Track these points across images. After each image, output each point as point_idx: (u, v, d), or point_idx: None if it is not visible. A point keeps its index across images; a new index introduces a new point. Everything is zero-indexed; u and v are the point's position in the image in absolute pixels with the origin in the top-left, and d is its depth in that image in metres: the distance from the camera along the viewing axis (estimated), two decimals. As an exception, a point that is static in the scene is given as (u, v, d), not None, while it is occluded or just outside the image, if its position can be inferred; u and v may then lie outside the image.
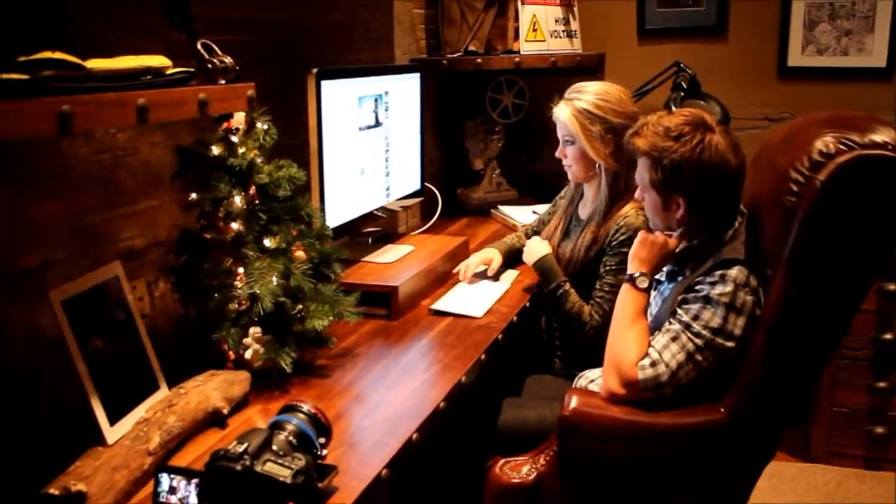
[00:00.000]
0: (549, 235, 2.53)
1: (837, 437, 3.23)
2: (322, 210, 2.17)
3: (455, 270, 2.61)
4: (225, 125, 1.82)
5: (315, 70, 2.16)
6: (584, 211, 2.48)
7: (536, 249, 2.44)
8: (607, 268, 2.29)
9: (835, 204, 1.64)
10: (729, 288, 1.76)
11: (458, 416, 1.88)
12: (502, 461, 1.95)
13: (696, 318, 1.77)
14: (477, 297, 2.40)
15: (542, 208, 3.23)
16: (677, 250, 1.94)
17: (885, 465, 3.20)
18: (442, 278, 2.56)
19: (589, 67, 3.45)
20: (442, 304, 2.33)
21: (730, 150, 1.79)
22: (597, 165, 2.35)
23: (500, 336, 2.15)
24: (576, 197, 2.55)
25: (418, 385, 1.84)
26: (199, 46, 1.65)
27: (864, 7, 3.46)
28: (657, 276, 2.00)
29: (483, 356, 2.02)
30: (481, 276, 2.60)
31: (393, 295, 2.24)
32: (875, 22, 3.47)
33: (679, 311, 1.81)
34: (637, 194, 1.99)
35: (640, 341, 1.82)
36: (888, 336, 3.11)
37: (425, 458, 1.73)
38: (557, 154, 2.44)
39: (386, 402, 1.75)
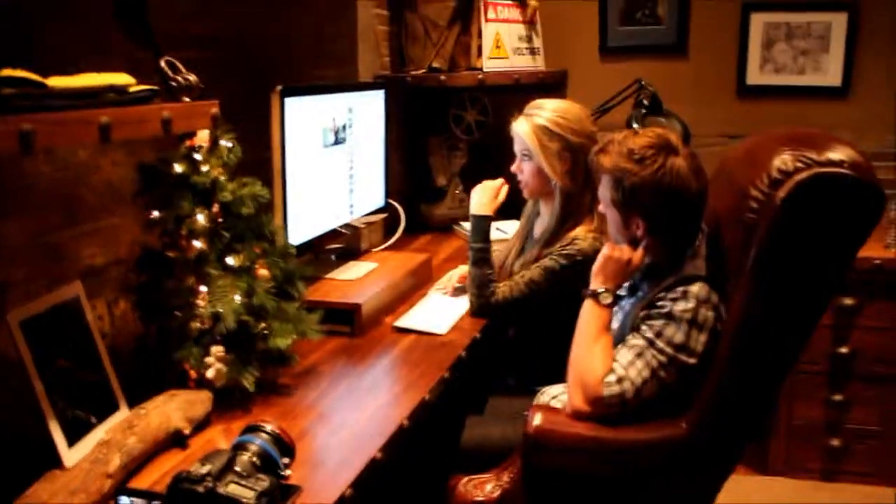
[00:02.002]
0: (507, 252, 2.56)
1: (795, 450, 3.28)
2: (285, 227, 2.17)
3: (442, 285, 2.67)
4: (188, 143, 1.80)
5: (279, 87, 2.16)
6: (538, 229, 2.52)
7: (483, 205, 2.48)
8: (538, 265, 2.33)
9: (794, 220, 1.66)
10: (691, 304, 1.78)
11: (422, 433, 1.88)
12: (466, 479, 1.95)
13: (659, 334, 1.80)
14: (441, 313, 2.41)
15: (505, 224, 3.26)
16: (641, 266, 1.96)
17: (841, 478, 3.24)
18: (405, 295, 2.56)
19: (551, 84, 3.48)
20: (406, 321, 2.33)
21: (691, 174, 1.81)
22: (552, 183, 2.37)
23: (463, 353, 2.16)
24: (532, 215, 2.58)
25: (382, 403, 1.84)
26: (162, 64, 1.64)
27: (819, 28, 3.54)
28: (618, 292, 2.02)
29: (447, 373, 2.02)
30: (447, 292, 2.62)
31: (357, 312, 2.23)
32: (830, 42, 3.54)
33: (643, 326, 1.83)
34: (600, 208, 2.01)
35: (605, 357, 1.84)
36: (844, 350, 3.16)
37: (389, 477, 1.72)
38: (513, 169, 2.46)
39: (350, 420, 1.75)
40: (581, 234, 2.31)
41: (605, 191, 1.91)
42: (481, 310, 2.38)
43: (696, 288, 1.80)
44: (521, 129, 2.36)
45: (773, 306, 1.73)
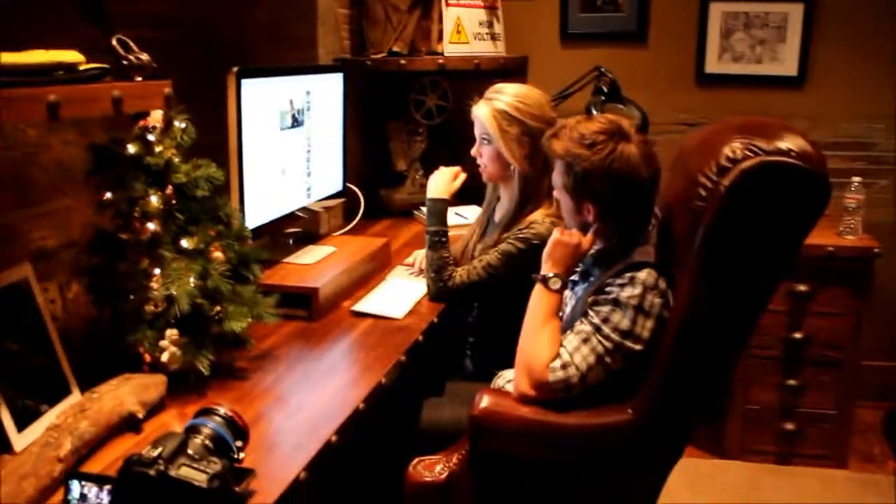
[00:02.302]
0: (469, 237, 2.57)
1: (750, 433, 3.33)
2: (241, 210, 2.15)
3: (409, 261, 2.70)
4: (141, 123, 1.78)
5: (235, 69, 2.13)
6: (498, 213, 2.53)
7: (439, 189, 2.50)
8: (496, 249, 2.34)
9: (738, 208, 1.67)
10: (637, 290, 1.79)
11: (381, 417, 1.88)
12: (416, 460, 1.95)
13: (605, 320, 1.80)
14: (398, 298, 2.41)
15: (465, 210, 3.26)
16: (591, 251, 1.97)
17: (795, 461, 3.31)
18: (363, 279, 2.55)
19: (512, 70, 3.47)
20: (363, 306, 2.33)
21: (642, 161, 1.82)
22: (511, 167, 2.38)
23: (420, 337, 2.16)
24: (493, 200, 2.59)
25: (339, 386, 1.84)
26: (114, 42, 1.61)
27: (777, 18, 3.58)
28: (572, 277, 2.03)
29: (403, 357, 2.02)
30: (413, 272, 2.64)
31: (314, 296, 2.22)
32: (787, 32, 3.58)
33: (590, 312, 1.83)
34: (555, 193, 2.02)
35: (552, 342, 1.85)
36: (798, 335, 3.21)
37: (348, 461, 1.72)
38: (473, 152, 2.46)
39: (306, 404, 1.74)
40: (538, 218, 2.32)
41: (557, 176, 1.92)
42: (438, 294, 2.38)
43: (643, 274, 1.80)
44: (482, 112, 2.36)
45: (717, 293, 1.73)
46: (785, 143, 1.66)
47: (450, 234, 2.49)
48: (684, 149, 2.05)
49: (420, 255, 2.68)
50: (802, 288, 3.18)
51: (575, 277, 2.02)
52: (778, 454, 3.32)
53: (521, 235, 2.31)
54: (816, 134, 1.78)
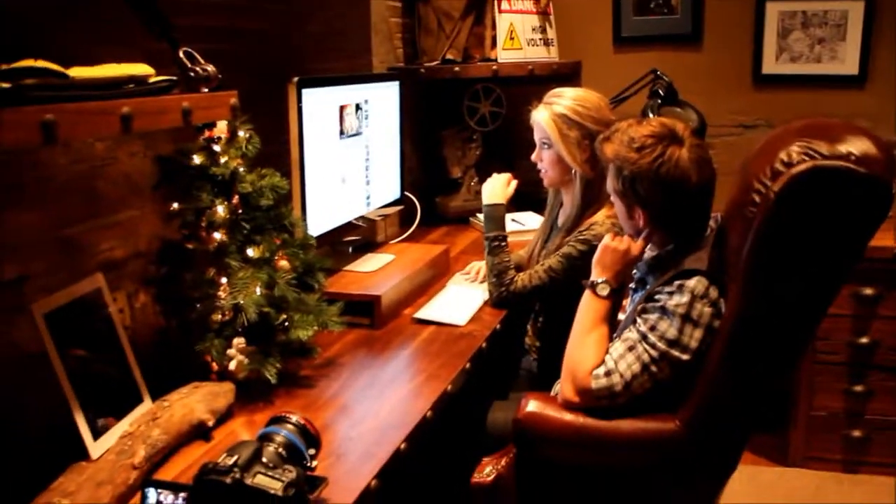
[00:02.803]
0: (534, 245, 2.55)
1: (815, 441, 3.25)
2: (304, 219, 2.16)
3: (467, 270, 2.70)
4: (207, 134, 1.80)
5: (296, 78, 2.15)
6: (561, 218, 2.51)
7: (495, 194, 2.49)
8: (557, 253, 2.33)
9: (787, 215, 1.59)
10: (685, 299, 1.74)
11: (447, 422, 1.87)
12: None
13: (652, 328, 1.76)
14: (459, 305, 2.40)
15: (522, 216, 3.25)
16: (647, 257, 1.94)
17: (863, 469, 3.22)
18: (424, 287, 2.56)
19: (566, 75, 3.46)
20: (425, 313, 2.33)
21: (692, 165, 1.76)
22: (572, 171, 2.36)
23: (483, 344, 2.15)
24: (555, 205, 2.58)
25: (404, 395, 1.83)
26: (180, 55, 1.63)
27: (836, 16, 3.51)
28: (631, 284, 2.00)
29: (468, 364, 2.01)
30: (473, 279, 2.64)
31: (376, 304, 2.23)
32: (847, 30, 3.51)
33: (639, 319, 1.80)
34: (611, 198, 2.00)
35: (598, 349, 1.82)
36: (864, 340, 3.13)
37: (414, 468, 1.71)
38: (533, 158, 2.46)
39: (372, 412, 1.74)
40: (599, 219, 2.32)
41: (609, 179, 1.90)
42: (500, 299, 2.37)
43: (692, 282, 1.75)
44: (541, 117, 2.36)
45: (766, 302, 1.66)
46: (846, 146, 1.56)
47: (509, 239, 2.48)
48: (750, 153, 2.01)
49: (477, 266, 2.69)
50: (868, 291, 3.10)
51: (633, 284, 1.99)
52: (845, 462, 3.24)
53: (581, 237, 2.29)
54: (880, 134, 1.69)
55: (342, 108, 2.44)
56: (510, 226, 3.01)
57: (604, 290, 1.90)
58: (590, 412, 1.81)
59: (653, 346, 1.76)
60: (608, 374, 1.78)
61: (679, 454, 1.78)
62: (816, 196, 1.58)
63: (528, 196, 2.97)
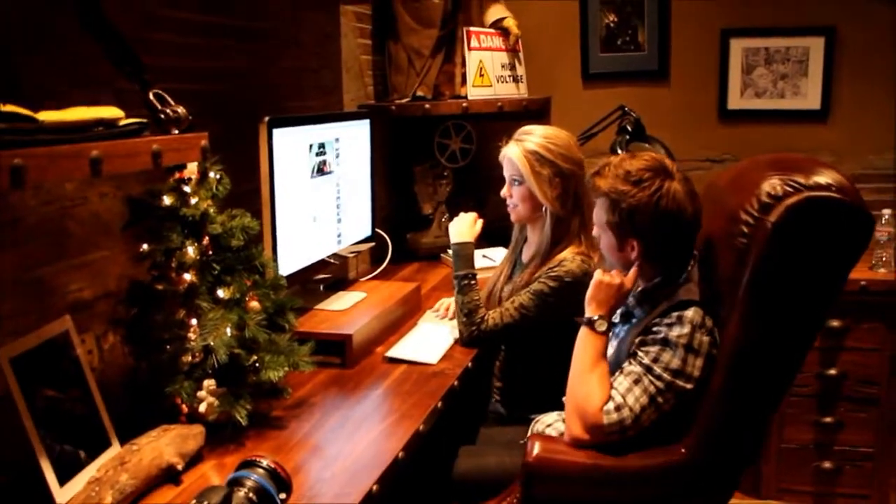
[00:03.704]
0: (496, 279, 2.56)
1: (786, 473, 3.27)
2: (275, 259, 2.15)
3: (435, 308, 2.71)
4: (177, 175, 1.79)
5: (267, 118, 2.15)
6: (526, 253, 2.52)
7: (462, 233, 2.50)
8: (527, 290, 2.33)
9: (785, 244, 1.68)
10: (686, 329, 1.78)
11: (415, 464, 1.86)
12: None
13: (656, 360, 1.79)
14: (431, 343, 2.40)
15: (492, 252, 3.26)
16: (633, 292, 1.96)
17: (834, 500, 3.24)
18: (396, 325, 2.55)
19: (535, 111, 3.49)
20: (396, 351, 2.32)
21: (687, 198, 1.82)
22: (542, 208, 2.38)
23: (455, 382, 2.14)
24: (520, 241, 2.59)
25: (376, 435, 1.82)
26: (151, 96, 1.63)
27: (798, 52, 3.59)
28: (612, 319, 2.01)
29: (440, 403, 2.00)
30: (442, 316, 2.65)
31: (347, 343, 2.22)
32: (808, 66, 3.59)
33: (639, 353, 1.82)
34: (594, 231, 2.01)
35: (603, 385, 1.83)
36: (832, 372, 3.17)
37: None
38: (503, 193, 2.47)
39: (344, 453, 1.73)
40: (569, 256, 2.32)
41: (600, 212, 1.91)
42: (471, 338, 2.37)
43: (690, 313, 1.80)
44: (513, 153, 2.37)
45: (768, 330, 1.74)
46: (823, 178, 1.67)
47: (481, 276, 2.48)
48: (714, 185, 2.05)
49: (446, 303, 2.69)
50: (835, 323, 3.14)
51: (615, 319, 2.01)
52: (816, 494, 3.26)
53: (552, 274, 2.30)
54: (843, 167, 1.77)
55: (313, 147, 2.44)
56: (481, 262, 3.04)
57: (602, 326, 1.90)
58: (599, 449, 1.82)
59: (658, 377, 1.78)
60: (618, 408, 1.79)
61: (687, 482, 1.83)
62: (811, 225, 1.67)
63: (500, 231, 2.99)
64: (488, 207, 3.44)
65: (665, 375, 1.78)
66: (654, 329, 1.82)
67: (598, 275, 1.95)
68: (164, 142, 1.55)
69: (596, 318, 1.91)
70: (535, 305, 2.31)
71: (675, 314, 1.80)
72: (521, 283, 2.40)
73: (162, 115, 1.63)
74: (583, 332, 1.92)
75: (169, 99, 1.66)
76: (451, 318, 2.61)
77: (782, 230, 1.66)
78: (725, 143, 3.70)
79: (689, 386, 1.78)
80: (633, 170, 1.84)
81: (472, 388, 2.42)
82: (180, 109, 1.65)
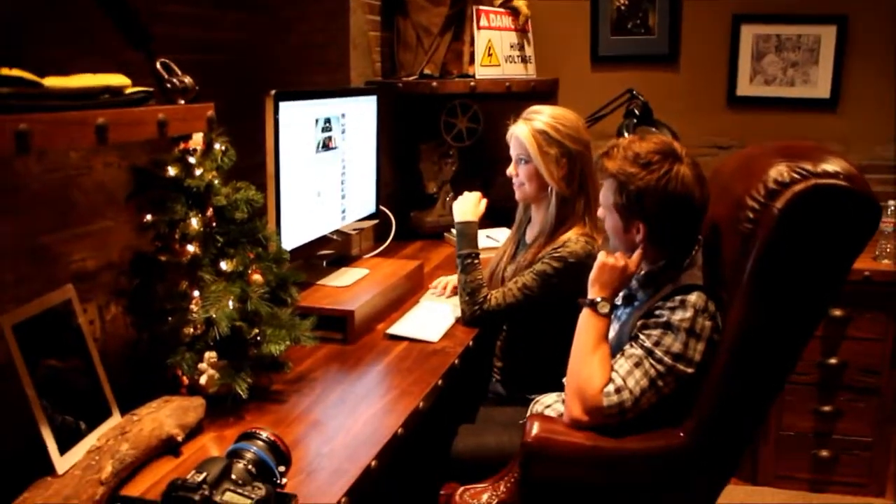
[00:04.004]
0: (499, 259, 2.55)
1: (784, 460, 3.28)
2: (278, 233, 2.14)
3: (433, 285, 2.70)
4: (182, 146, 1.79)
5: (273, 91, 2.14)
6: (530, 234, 2.52)
7: (466, 212, 2.50)
8: (531, 270, 2.33)
9: (791, 231, 1.67)
10: (689, 314, 1.78)
11: (414, 442, 1.86)
12: (462, 489, 1.93)
13: (657, 343, 1.79)
14: (433, 321, 2.40)
15: (496, 232, 3.26)
16: (637, 275, 1.95)
17: (830, 489, 3.25)
18: (397, 302, 2.55)
19: (543, 92, 3.48)
20: (398, 329, 2.32)
21: (695, 182, 1.81)
22: (548, 188, 2.37)
23: (456, 361, 2.15)
24: (523, 221, 2.58)
25: (376, 411, 1.83)
26: (158, 66, 1.62)
27: (809, 40, 3.55)
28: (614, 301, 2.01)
29: (440, 381, 2.01)
30: (442, 294, 2.66)
31: (349, 319, 2.22)
32: (819, 54, 3.56)
33: (641, 335, 1.82)
34: (599, 213, 2.00)
35: (603, 367, 1.83)
36: (833, 361, 3.16)
37: (383, 485, 1.70)
38: (509, 172, 2.46)
39: (344, 428, 1.73)
40: (573, 237, 2.32)
41: (607, 194, 1.90)
42: (474, 318, 2.37)
43: (693, 297, 1.79)
44: (521, 132, 2.36)
45: (771, 316, 1.74)
46: (830, 166, 1.67)
47: (484, 255, 2.48)
48: (720, 172, 2.04)
49: (444, 281, 2.70)
50: (837, 313, 3.13)
51: (617, 301, 2.00)
52: (812, 481, 3.27)
53: (556, 254, 2.30)
54: (850, 157, 1.76)
55: (320, 122, 2.43)
56: (485, 242, 3.02)
57: (604, 308, 1.90)
58: (599, 431, 1.82)
59: (659, 360, 1.79)
60: (618, 391, 1.79)
61: (685, 465, 1.84)
62: (817, 212, 1.67)
63: (504, 212, 2.98)
64: (493, 188, 3.44)
65: (666, 359, 1.78)
66: (657, 312, 1.82)
67: (601, 257, 1.94)
68: (171, 111, 1.54)
69: (599, 299, 1.90)
70: (537, 286, 2.30)
71: (678, 298, 1.80)
72: (525, 264, 2.39)
73: (168, 85, 1.62)
74: (585, 313, 1.92)
75: (176, 68, 1.64)
76: (449, 296, 2.62)
77: (789, 216, 1.66)
78: (733, 129, 3.68)
79: (689, 370, 1.78)
80: (642, 152, 1.83)
81: (472, 367, 2.42)
82: (187, 79, 1.64)
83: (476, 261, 2.41)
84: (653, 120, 3.15)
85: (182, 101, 1.63)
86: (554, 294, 2.29)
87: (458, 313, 2.43)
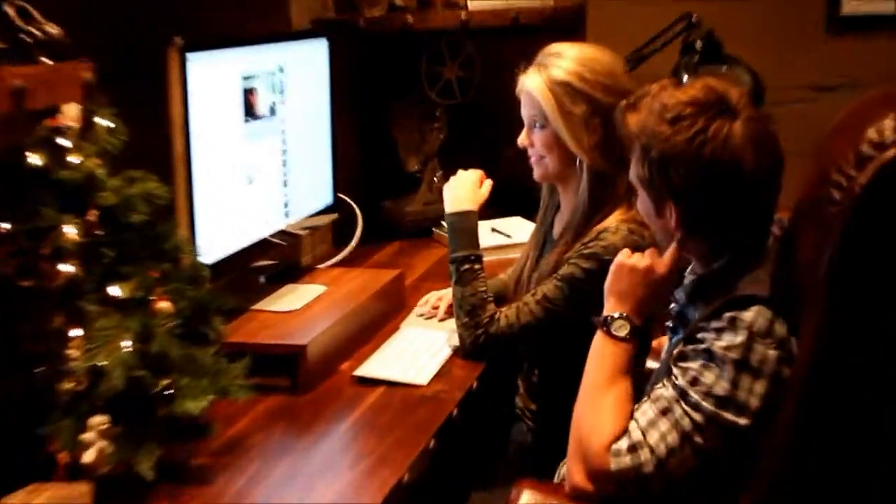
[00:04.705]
0: (522, 265, 2.55)
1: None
2: (193, 240, 2.14)
3: (420, 303, 2.72)
4: (48, 122, 1.77)
5: (179, 40, 2.13)
6: (559, 226, 2.52)
7: (462, 199, 2.50)
8: (553, 278, 2.34)
9: (877, 215, 1.56)
10: (740, 338, 1.72)
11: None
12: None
13: (694, 381, 1.74)
14: (420, 356, 2.40)
15: (507, 224, 3.26)
16: (687, 280, 1.94)
17: None
18: (369, 330, 2.56)
19: (563, 27, 3.48)
20: (370, 369, 2.32)
21: (748, 144, 1.75)
22: (576, 161, 2.37)
23: (455, 411, 2.15)
24: (550, 209, 2.57)
25: (341, 489, 1.83)
26: (7, 9, 1.61)
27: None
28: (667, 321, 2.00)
29: (433, 442, 2.01)
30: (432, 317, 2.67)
31: (300, 358, 2.22)
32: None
33: (675, 370, 1.78)
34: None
35: (617, 414, 1.81)
36: None
37: None
38: (520, 141, 2.46)
39: (296, 516, 1.73)
40: (612, 225, 2.31)
41: (633, 164, 1.89)
42: (476, 346, 2.36)
43: (750, 315, 1.73)
44: (533, 85, 2.35)
45: (856, 339, 1.61)
46: None
47: (486, 258, 2.47)
48: (827, 131, 2.01)
49: (435, 296, 2.71)
50: None
51: (670, 322, 1.99)
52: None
53: (587, 251, 2.29)
54: None
55: (247, 80, 2.43)
56: (492, 239, 3.04)
57: (622, 330, 1.89)
58: None
59: (696, 406, 1.73)
60: (633, 448, 1.76)
61: None
62: None
63: (519, 195, 2.97)
64: (501, 161, 3.44)
65: (705, 404, 1.72)
66: (699, 336, 1.77)
67: (621, 256, 1.94)
68: (30, 74, 1.54)
69: (615, 316, 1.89)
70: (563, 297, 2.30)
71: (727, 315, 1.74)
72: (548, 268, 2.39)
73: (26, 37, 1.61)
74: (598, 337, 1.91)
75: (36, 15, 1.63)
76: (442, 319, 2.62)
77: (873, 195, 1.53)
78: (839, 63, 3.69)
79: (741, 421, 1.72)
80: (671, 103, 1.79)
81: (485, 415, 2.43)
82: (52, 29, 1.64)
83: (477, 266, 2.41)
84: (722, 56, 3.15)
85: (47, 60, 1.62)
86: (588, 307, 2.27)
87: (457, 342, 2.43)
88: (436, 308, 2.67)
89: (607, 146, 2.31)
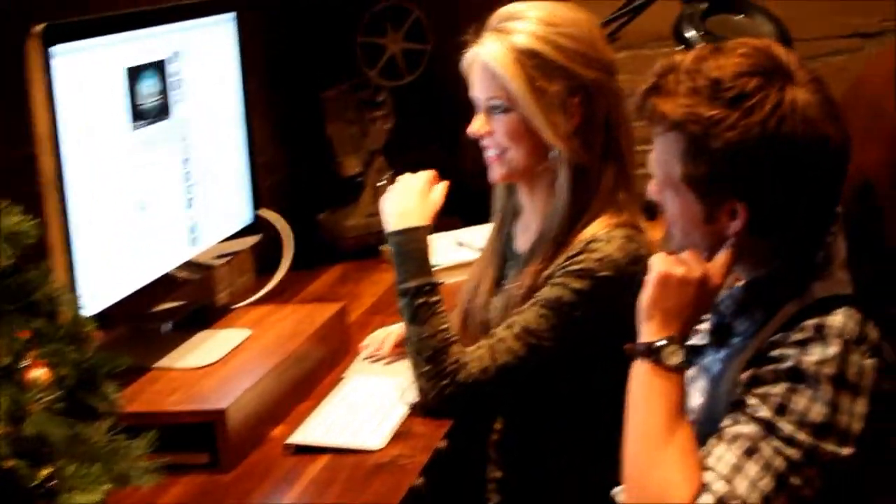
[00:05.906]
0: (474, 287, 2.55)
1: None
2: (73, 287, 2.14)
3: (364, 344, 2.72)
4: None
5: (41, 27, 2.13)
6: (523, 238, 2.53)
7: (408, 211, 2.47)
8: (535, 300, 2.32)
9: None
10: (833, 349, 1.74)
11: None
12: None
13: (781, 409, 1.75)
14: (370, 412, 2.41)
15: (474, 234, 3.26)
16: (728, 290, 1.95)
17: None
18: (305, 384, 2.57)
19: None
20: (310, 434, 2.33)
21: (824, 114, 1.77)
22: (549, 153, 2.37)
23: (419, 480, 2.16)
24: (507, 215, 2.58)
25: None
26: None
27: None
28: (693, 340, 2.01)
29: (393, 520, 2.02)
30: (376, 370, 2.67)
31: (219, 426, 2.22)
32: None
33: (751, 400, 1.79)
34: (653, 193, 1.98)
35: (687, 464, 1.79)
36: None
37: None
38: (471, 131, 2.45)
39: None
40: (602, 233, 2.32)
41: (668, 159, 1.86)
42: (442, 399, 2.35)
43: (838, 319, 1.76)
44: (492, 56, 2.33)
45: None
46: None
47: (452, 280, 2.47)
48: (868, 82, 2.04)
49: (381, 335, 2.71)
50: None
51: (697, 340, 2.00)
52: None
53: (575, 267, 2.29)
54: None
55: (133, 74, 2.43)
56: (458, 255, 3.03)
57: (674, 357, 1.85)
58: None
59: (789, 440, 1.74)
60: (723, 503, 1.77)
61: None
62: None
63: (486, 196, 2.98)
64: (463, 154, 3.46)
65: (801, 436, 1.74)
66: (776, 353, 1.79)
67: (660, 264, 1.93)
68: None
69: (663, 342, 1.89)
70: (549, 327, 2.30)
71: (810, 323, 1.76)
72: (522, 291, 2.39)
73: None
74: (642, 371, 1.89)
75: None
76: (390, 361, 2.63)
77: None
78: (881, 4, 3.71)
79: (845, 451, 1.74)
80: (724, 76, 1.78)
81: (451, 481, 2.44)
82: None
83: (434, 298, 2.38)
84: (735, 2, 3.16)
85: None
86: (582, 339, 2.28)
87: (415, 391, 2.43)
88: (385, 345, 2.67)
89: (589, 132, 2.32)
